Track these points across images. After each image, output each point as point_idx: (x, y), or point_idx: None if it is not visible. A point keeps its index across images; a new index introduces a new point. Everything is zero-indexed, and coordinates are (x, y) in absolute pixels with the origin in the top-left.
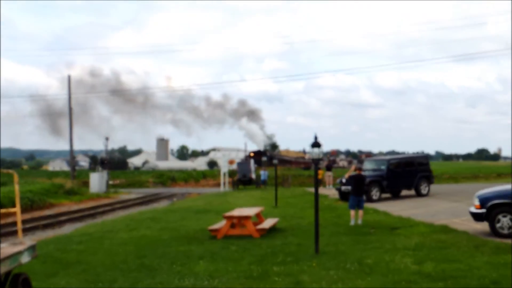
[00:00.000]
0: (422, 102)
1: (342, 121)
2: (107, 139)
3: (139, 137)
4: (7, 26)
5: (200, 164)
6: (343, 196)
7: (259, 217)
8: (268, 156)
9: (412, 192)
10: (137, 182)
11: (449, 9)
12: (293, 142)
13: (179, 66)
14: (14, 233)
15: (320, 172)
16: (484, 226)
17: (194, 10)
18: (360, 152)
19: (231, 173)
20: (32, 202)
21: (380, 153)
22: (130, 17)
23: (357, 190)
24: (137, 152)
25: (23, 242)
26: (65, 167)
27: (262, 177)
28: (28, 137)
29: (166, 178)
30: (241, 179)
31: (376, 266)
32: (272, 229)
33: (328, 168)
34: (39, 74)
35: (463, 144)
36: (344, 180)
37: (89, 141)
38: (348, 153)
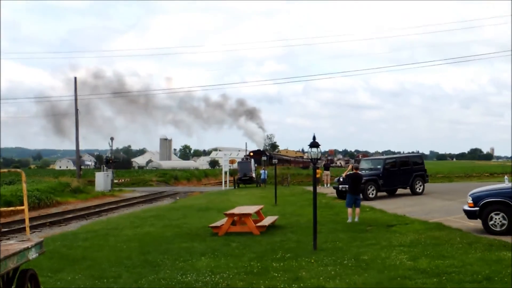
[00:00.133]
0: (417, 103)
1: (339, 122)
2: (112, 139)
3: (142, 138)
4: (13, 28)
5: (202, 163)
6: (341, 194)
7: (259, 215)
8: (268, 155)
9: (407, 190)
10: (141, 181)
11: (444, 13)
12: (292, 142)
13: (181, 68)
14: (22, 230)
15: (318, 171)
16: (477, 223)
17: (196, 13)
18: (357, 152)
19: (232, 172)
20: (39, 200)
21: (377, 153)
22: (133, 21)
23: (354, 188)
24: (141, 152)
25: (30, 239)
26: (72, 166)
27: (262, 176)
28: (35, 137)
29: (169, 177)
30: (242, 178)
31: (372, 262)
32: (272, 226)
33: (326, 167)
34: (45, 76)
35: (456, 144)
36: (341, 179)
37: (93, 141)
38: (345, 153)
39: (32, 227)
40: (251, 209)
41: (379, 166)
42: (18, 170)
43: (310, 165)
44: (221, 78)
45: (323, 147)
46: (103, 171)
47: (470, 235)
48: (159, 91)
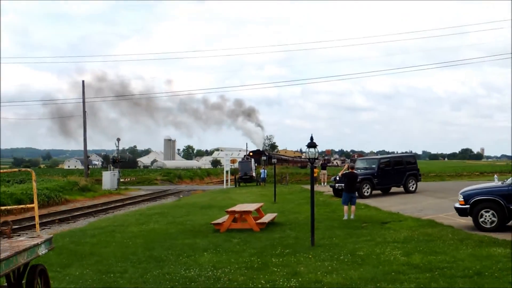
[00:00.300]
0: (410, 105)
1: (336, 123)
2: (118, 140)
3: (146, 138)
4: (24, 35)
5: (204, 163)
6: (337, 192)
7: (259, 212)
8: (267, 155)
9: (401, 189)
10: (146, 179)
11: (435, 19)
12: (290, 143)
13: (184, 72)
14: (32, 227)
15: (315, 170)
16: (468, 220)
17: (199, 22)
18: (353, 152)
19: (233, 171)
20: (48, 198)
21: (371, 153)
22: (138, 26)
23: (350, 187)
24: (146, 152)
25: (40, 236)
26: (80, 166)
27: (262, 175)
28: (45, 138)
29: (173, 176)
30: (243, 177)
31: (367, 258)
32: (271, 223)
33: (323, 166)
34: (53, 80)
35: (448, 144)
36: (337, 178)
37: (98, 141)
38: (341, 153)
39: (42, 224)
40: (252, 206)
41: (373, 166)
42: (29, 169)
43: (308, 165)
44: (222, 82)
45: (320, 147)
46: (110, 170)
47: (461, 231)
48: (161, 94)
